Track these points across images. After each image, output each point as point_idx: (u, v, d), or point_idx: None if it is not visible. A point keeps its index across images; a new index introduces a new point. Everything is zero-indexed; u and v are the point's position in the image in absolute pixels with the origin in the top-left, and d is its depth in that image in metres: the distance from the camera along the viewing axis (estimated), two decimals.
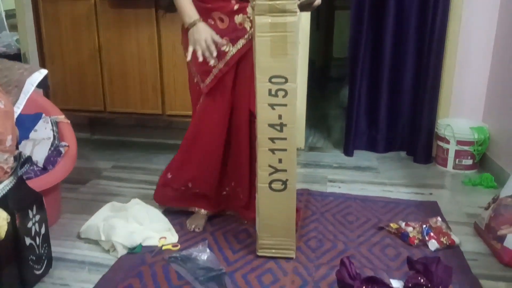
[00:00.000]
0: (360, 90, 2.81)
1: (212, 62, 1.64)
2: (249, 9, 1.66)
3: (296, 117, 1.56)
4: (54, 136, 1.94)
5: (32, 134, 1.94)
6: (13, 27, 3.71)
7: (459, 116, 2.68)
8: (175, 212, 1.98)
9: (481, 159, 2.56)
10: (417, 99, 2.70)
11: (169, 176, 1.92)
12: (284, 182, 1.59)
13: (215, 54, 1.60)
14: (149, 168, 2.58)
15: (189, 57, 1.62)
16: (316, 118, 3.66)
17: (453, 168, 2.57)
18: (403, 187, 2.35)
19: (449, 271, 1.33)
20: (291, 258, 1.66)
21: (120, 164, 2.66)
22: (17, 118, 1.75)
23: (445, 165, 2.60)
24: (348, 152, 2.84)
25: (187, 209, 1.95)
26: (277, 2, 1.42)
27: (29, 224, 1.43)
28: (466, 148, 2.52)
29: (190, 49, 1.60)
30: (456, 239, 1.75)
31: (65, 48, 2.75)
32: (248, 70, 1.67)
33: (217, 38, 1.61)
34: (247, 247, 1.74)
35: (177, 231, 1.83)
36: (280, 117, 1.53)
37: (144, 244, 1.72)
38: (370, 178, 2.47)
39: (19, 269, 1.42)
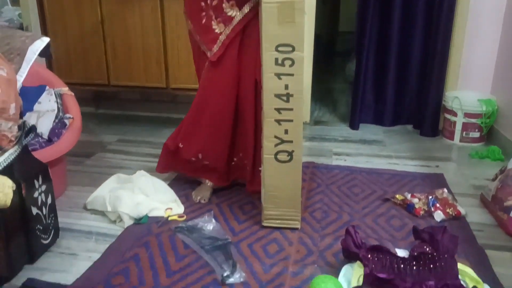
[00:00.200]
0: (367, 63, 2.77)
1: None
2: None
3: (303, 88, 1.53)
4: (58, 108, 1.93)
5: (36, 106, 1.93)
6: (15, 2, 3.66)
7: (468, 89, 2.64)
8: (181, 184, 1.98)
9: (488, 132, 2.53)
10: (425, 72, 2.66)
11: (181, 146, 1.89)
12: (290, 153, 1.58)
13: None
14: (154, 142, 2.58)
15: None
16: (322, 92, 3.63)
17: (460, 141, 2.55)
18: (409, 160, 2.34)
19: (455, 240, 1.33)
20: (296, 229, 1.66)
21: (125, 138, 2.66)
22: (20, 90, 1.74)
23: (452, 138, 2.58)
24: (354, 126, 2.82)
25: (195, 178, 1.95)
26: None
27: (35, 194, 1.43)
28: (473, 120, 2.49)
29: None
30: (462, 210, 1.75)
31: (68, 22, 2.72)
32: (253, 39, 1.64)
33: None
34: (253, 218, 1.74)
35: (182, 203, 1.84)
36: (286, 87, 1.51)
37: (150, 215, 1.73)
38: (376, 151, 2.46)
39: (26, 239, 1.43)
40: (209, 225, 1.64)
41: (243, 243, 1.58)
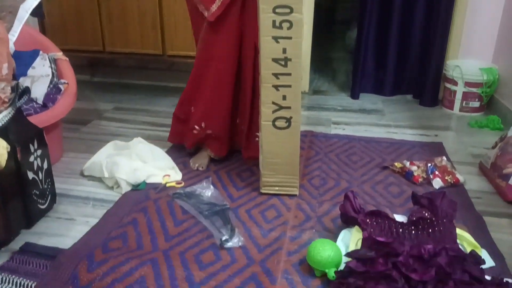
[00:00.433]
0: (369, 31, 2.72)
1: None
2: None
3: (302, 52, 1.50)
4: (52, 73, 1.89)
5: (30, 71, 1.89)
6: None
7: (469, 58, 2.60)
8: (179, 151, 1.97)
9: (488, 101, 2.51)
10: (427, 41, 2.62)
11: (193, 110, 1.85)
12: (288, 120, 1.56)
13: None
14: (151, 110, 2.55)
15: None
16: (321, 62, 3.58)
17: (460, 110, 2.53)
18: (408, 129, 2.33)
19: (454, 205, 1.33)
20: (294, 195, 1.66)
21: (121, 106, 2.62)
22: (13, 54, 1.70)
23: (451, 108, 2.56)
24: (354, 95, 2.79)
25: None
26: None
27: (31, 158, 1.41)
28: (474, 90, 2.46)
29: None
30: (460, 177, 1.75)
31: None
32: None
33: None
34: (251, 185, 1.73)
35: (180, 170, 1.83)
36: (284, 51, 1.47)
37: (148, 181, 1.72)
38: (375, 120, 2.44)
39: (23, 203, 1.42)
40: (207, 191, 1.64)
41: (241, 209, 1.58)
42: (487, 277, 1.13)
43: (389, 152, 2.04)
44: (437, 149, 2.06)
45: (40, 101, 1.79)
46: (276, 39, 1.45)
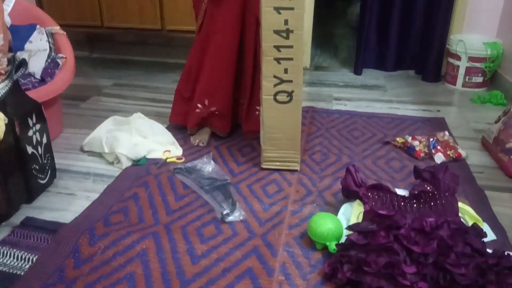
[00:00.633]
0: (372, 6, 2.67)
1: None
2: None
3: (304, 23, 1.47)
4: (50, 47, 1.86)
5: (27, 46, 1.86)
6: None
7: (473, 32, 2.56)
8: (179, 127, 1.95)
9: (491, 77, 2.48)
10: (431, 15, 2.57)
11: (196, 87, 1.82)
12: (290, 94, 1.54)
13: None
14: (150, 86, 2.52)
15: None
16: (323, 37, 3.53)
17: (463, 86, 2.50)
18: (410, 104, 2.31)
19: (456, 179, 1.32)
20: (295, 170, 1.65)
21: (120, 82, 2.59)
22: (10, 28, 1.67)
23: (454, 83, 2.53)
24: (357, 71, 2.76)
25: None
26: None
27: (30, 133, 1.40)
28: (477, 65, 2.43)
29: None
30: (462, 152, 1.73)
31: None
32: None
33: None
34: (252, 160, 1.73)
35: (181, 145, 1.82)
36: (286, 22, 1.44)
37: (148, 156, 1.71)
38: (377, 96, 2.42)
39: (23, 178, 1.41)
40: (208, 166, 1.63)
41: (243, 184, 1.57)
42: (489, 250, 1.13)
43: (391, 127, 2.02)
44: (439, 124, 2.04)
45: (38, 76, 1.76)
46: (277, 9, 1.42)
